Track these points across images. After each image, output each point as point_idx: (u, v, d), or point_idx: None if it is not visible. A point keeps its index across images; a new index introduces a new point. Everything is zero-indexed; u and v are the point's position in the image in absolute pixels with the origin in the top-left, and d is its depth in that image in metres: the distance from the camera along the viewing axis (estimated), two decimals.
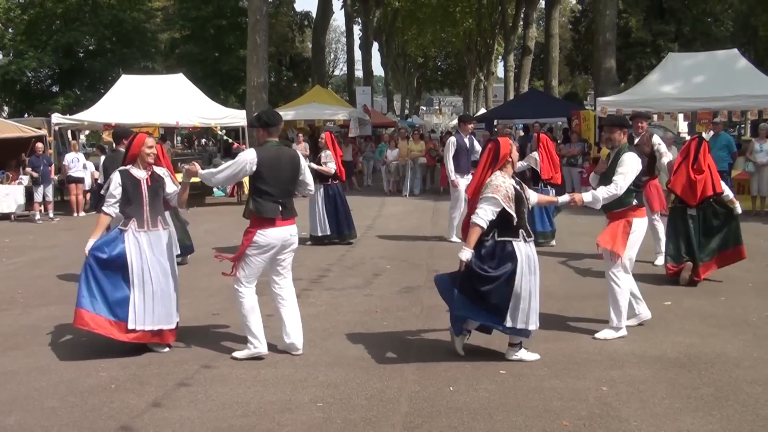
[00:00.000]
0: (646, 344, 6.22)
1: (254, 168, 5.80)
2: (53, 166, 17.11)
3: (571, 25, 58.32)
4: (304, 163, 6.25)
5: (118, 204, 6.14)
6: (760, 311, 7.22)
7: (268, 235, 5.83)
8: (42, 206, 16.50)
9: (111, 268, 6.03)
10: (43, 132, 17.69)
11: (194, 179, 6.22)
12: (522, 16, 43.28)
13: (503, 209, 5.54)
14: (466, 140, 11.83)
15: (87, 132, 28.21)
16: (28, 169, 16.41)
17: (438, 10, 54.19)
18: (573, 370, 5.62)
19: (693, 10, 41.22)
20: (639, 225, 6.51)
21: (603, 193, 6.27)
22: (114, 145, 9.76)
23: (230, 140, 21.49)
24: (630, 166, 6.33)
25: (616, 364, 5.74)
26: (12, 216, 16.48)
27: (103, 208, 6.19)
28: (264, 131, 6.02)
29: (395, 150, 21.43)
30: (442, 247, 11.38)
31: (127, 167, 6.23)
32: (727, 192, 8.50)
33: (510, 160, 5.78)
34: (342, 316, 7.30)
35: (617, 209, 6.44)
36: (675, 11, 40.99)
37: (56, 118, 18.15)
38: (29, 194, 16.68)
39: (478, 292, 5.60)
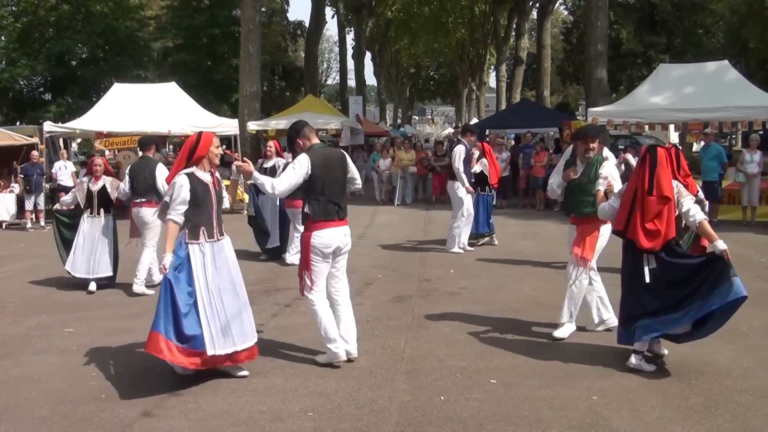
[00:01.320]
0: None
1: (309, 172, 5.77)
2: (45, 174, 17.08)
3: (562, 35, 58.55)
4: (350, 160, 6.26)
5: (185, 212, 5.61)
6: (751, 321, 7.25)
7: (324, 236, 5.85)
8: (33, 215, 16.45)
9: (180, 288, 5.48)
10: (35, 140, 17.64)
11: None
12: (514, 26, 43.46)
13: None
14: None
15: (79, 140, 28.12)
16: (20, 177, 16.38)
17: (431, 20, 54.37)
18: (563, 379, 5.63)
19: (684, 22, 41.49)
20: (605, 230, 6.68)
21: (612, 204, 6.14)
22: (141, 152, 9.88)
23: (229, 152, 21.48)
24: (616, 174, 6.62)
25: (607, 373, 5.75)
26: (3, 224, 16.42)
27: (171, 217, 5.58)
28: (301, 140, 5.97)
29: (388, 159, 21.45)
30: (434, 257, 11.40)
31: (191, 170, 5.70)
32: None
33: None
34: None
35: (588, 215, 6.58)
36: (666, 23, 41.24)
37: (48, 126, 18.10)
38: (20, 202, 16.63)
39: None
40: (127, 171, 9.58)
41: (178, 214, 5.58)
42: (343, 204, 6.01)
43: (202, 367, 5.56)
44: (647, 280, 5.68)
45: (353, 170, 6.22)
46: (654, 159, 5.66)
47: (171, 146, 33.92)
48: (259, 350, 6.10)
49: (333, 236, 5.90)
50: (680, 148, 9.41)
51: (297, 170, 5.76)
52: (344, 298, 6.18)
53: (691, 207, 5.69)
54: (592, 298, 6.90)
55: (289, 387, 5.53)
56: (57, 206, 9.98)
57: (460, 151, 11.58)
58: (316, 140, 6.06)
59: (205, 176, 5.76)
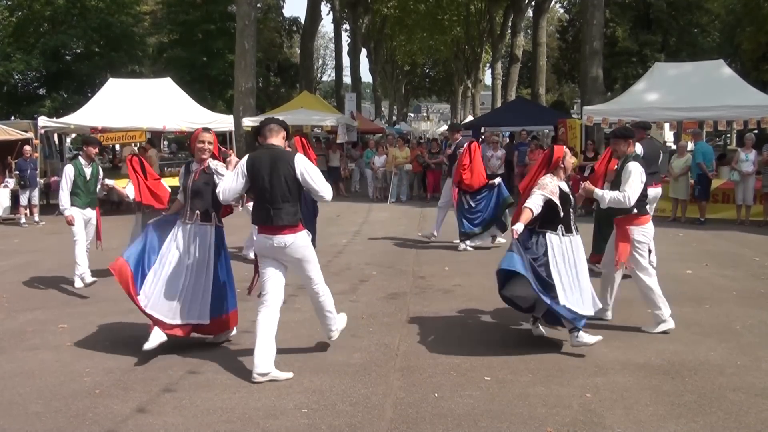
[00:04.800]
0: (631, 351, 6.25)
1: (243, 173, 5.76)
2: (39, 169, 17.03)
3: (558, 34, 58.69)
4: (303, 167, 5.64)
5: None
6: (744, 319, 7.28)
7: (259, 242, 5.84)
8: (28, 210, 16.41)
9: (155, 245, 6.31)
10: (30, 135, 17.58)
11: None
12: (510, 24, 43.48)
13: (551, 201, 6.25)
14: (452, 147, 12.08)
15: (73, 135, 28.06)
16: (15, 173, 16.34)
17: (426, 17, 54.39)
18: (557, 376, 5.65)
19: (680, 21, 41.59)
20: (637, 233, 6.83)
21: (611, 195, 6.66)
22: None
23: (223, 148, 21.46)
24: (635, 176, 6.67)
25: (601, 371, 5.77)
26: None
27: (178, 197, 6.56)
28: (260, 137, 6.08)
29: (383, 156, 21.45)
30: (429, 254, 11.41)
31: (190, 161, 6.53)
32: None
33: (562, 165, 6.48)
34: None
35: (621, 215, 6.84)
36: (662, 22, 41.34)
37: (43, 121, 18.04)
38: (15, 198, 16.58)
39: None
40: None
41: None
42: (282, 210, 5.58)
43: (142, 310, 6.23)
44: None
45: (307, 178, 5.62)
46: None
47: (166, 142, 33.87)
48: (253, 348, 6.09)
49: (266, 243, 5.70)
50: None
51: (235, 172, 5.79)
52: (329, 307, 6.17)
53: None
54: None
55: (283, 383, 5.52)
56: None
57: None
58: (272, 141, 5.79)
59: (194, 167, 6.44)
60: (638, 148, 9.54)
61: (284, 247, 5.65)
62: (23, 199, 16.23)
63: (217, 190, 5.92)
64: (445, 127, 50.59)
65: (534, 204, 6.23)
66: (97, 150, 9.59)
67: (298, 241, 5.70)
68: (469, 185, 11.65)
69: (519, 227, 6.13)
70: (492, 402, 5.13)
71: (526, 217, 6.18)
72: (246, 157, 5.80)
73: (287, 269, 5.89)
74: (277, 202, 5.58)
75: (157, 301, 6.16)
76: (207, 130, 6.56)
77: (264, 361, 5.53)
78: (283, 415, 4.94)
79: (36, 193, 16.56)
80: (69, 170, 9.13)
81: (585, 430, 4.67)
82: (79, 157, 9.31)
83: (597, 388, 5.36)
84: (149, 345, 6.02)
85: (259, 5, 32.43)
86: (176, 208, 6.57)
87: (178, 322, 6.19)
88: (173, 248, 6.25)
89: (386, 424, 4.79)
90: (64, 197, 9.06)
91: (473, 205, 11.74)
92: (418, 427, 4.73)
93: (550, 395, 5.24)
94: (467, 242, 11.77)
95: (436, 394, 5.28)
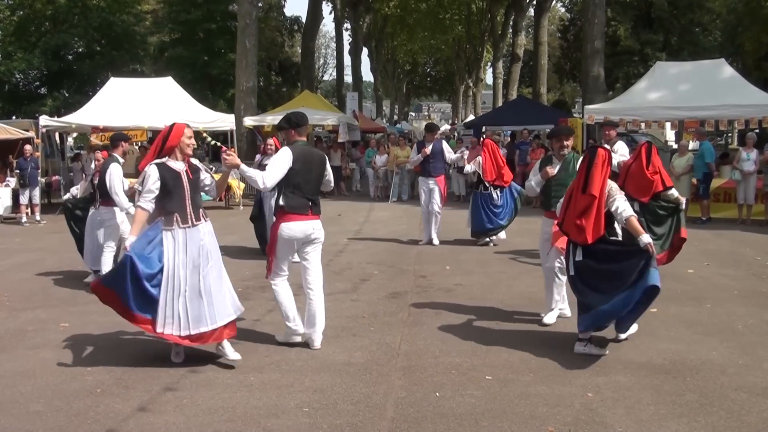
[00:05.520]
0: (632, 351, 6.25)
1: (291, 165, 6.09)
2: (40, 168, 17.03)
3: (559, 33, 58.67)
4: (328, 163, 6.62)
5: (155, 199, 5.79)
6: (746, 319, 7.27)
7: (292, 228, 6.17)
8: (29, 209, 16.41)
9: (149, 267, 5.71)
10: (31, 134, 17.59)
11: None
12: (511, 23, 43.49)
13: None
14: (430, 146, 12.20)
15: (75, 134, 28.07)
16: (16, 172, 16.34)
17: (428, 16, 54.43)
18: (559, 376, 5.64)
19: (681, 20, 41.55)
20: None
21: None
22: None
23: (218, 144, 21.46)
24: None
25: (602, 370, 5.76)
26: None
27: (140, 204, 5.79)
28: (295, 131, 6.33)
29: (384, 156, 21.45)
30: (430, 253, 11.40)
31: (163, 159, 5.87)
32: (673, 190, 8.50)
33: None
34: (329, 321, 7.27)
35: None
36: (663, 21, 41.30)
37: (44, 120, 18.06)
38: (16, 197, 16.59)
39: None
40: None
41: (145, 201, 5.78)
42: (317, 200, 6.34)
43: (152, 333, 5.84)
44: (571, 272, 6.14)
45: (329, 172, 6.62)
46: (591, 159, 5.98)
47: None
48: (255, 346, 6.11)
49: (303, 228, 6.22)
50: (653, 143, 9.61)
51: (283, 162, 6.09)
52: (317, 290, 6.46)
53: (620, 205, 6.01)
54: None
55: (284, 383, 5.53)
56: (67, 196, 10.04)
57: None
58: (303, 138, 6.43)
59: (177, 165, 5.91)
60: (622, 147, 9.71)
61: (316, 231, 6.30)
62: (24, 198, 16.24)
63: (260, 179, 5.95)
64: (447, 127, 50.59)
65: (632, 210, 6.11)
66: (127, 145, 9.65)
67: (321, 227, 6.43)
68: (506, 180, 12.18)
69: (646, 238, 5.80)
70: (493, 401, 5.12)
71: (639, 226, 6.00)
72: (288, 149, 6.17)
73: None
74: (315, 193, 6.35)
75: (188, 318, 5.79)
76: (186, 125, 6.18)
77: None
78: (285, 414, 4.93)
79: (37, 192, 16.56)
80: (118, 170, 8.78)
81: (586, 429, 4.66)
82: (116, 155, 9.18)
83: (598, 388, 5.36)
84: (234, 356, 5.96)
85: (260, 4, 32.46)
86: (151, 219, 5.97)
87: (215, 325, 5.86)
88: (178, 262, 5.79)
89: (387, 423, 4.79)
90: (124, 198, 8.65)
91: (497, 200, 12.15)
92: (419, 426, 4.73)
93: (551, 395, 5.23)
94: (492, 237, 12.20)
95: (437, 394, 5.27)
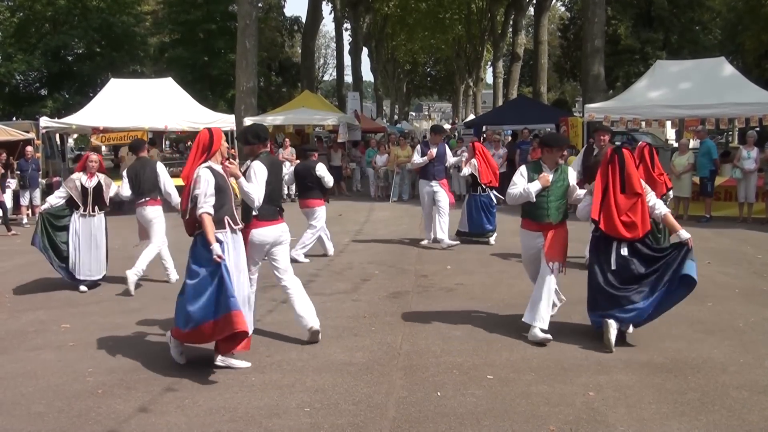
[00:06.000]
0: (633, 349, 6.25)
1: (266, 178, 6.32)
2: (41, 170, 17.03)
3: (559, 32, 58.70)
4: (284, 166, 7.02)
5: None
6: (747, 317, 7.27)
7: (263, 234, 6.38)
8: (29, 210, 16.41)
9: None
10: (31, 135, 17.60)
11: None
12: (511, 23, 43.49)
13: None
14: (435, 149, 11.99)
15: (75, 136, 28.09)
16: (16, 173, 16.33)
17: (427, 16, 54.44)
18: (560, 375, 5.64)
19: (681, 19, 41.55)
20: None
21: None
22: (134, 155, 9.80)
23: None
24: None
25: (603, 369, 5.76)
26: None
27: (205, 209, 5.64)
28: (262, 145, 6.52)
29: (384, 155, 21.45)
30: (431, 253, 11.40)
31: (209, 163, 5.82)
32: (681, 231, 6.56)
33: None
34: (330, 321, 7.30)
35: (563, 220, 6.80)
36: (663, 19, 41.30)
37: (44, 121, 18.07)
38: (16, 198, 16.58)
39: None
40: (125, 173, 9.50)
41: (209, 206, 5.69)
42: (281, 205, 6.65)
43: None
44: (613, 266, 6.27)
45: (287, 173, 7.37)
46: (622, 160, 6.22)
47: (168, 142, 33.86)
48: (256, 346, 6.12)
49: (273, 233, 6.46)
50: (653, 145, 9.57)
51: (264, 177, 6.25)
52: (290, 279, 6.62)
53: (656, 202, 6.37)
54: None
55: (285, 383, 5.53)
56: (45, 206, 9.40)
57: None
58: (266, 149, 6.68)
59: (219, 168, 5.90)
60: None
61: (284, 234, 6.57)
62: (24, 200, 16.24)
63: (253, 197, 6.04)
64: (447, 126, 50.55)
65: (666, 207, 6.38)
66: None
67: (288, 229, 6.70)
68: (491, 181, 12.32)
69: (685, 234, 6.11)
70: (495, 401, 5.12)
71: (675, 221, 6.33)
72: (260, 163, 6.29)
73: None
74: (280, 198, 6.70)
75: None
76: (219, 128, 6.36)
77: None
78: (286, 414, 4.94)
79: (37, 193, 16.55)
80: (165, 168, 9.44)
81: (588, 428, 4.66)
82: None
83: (600, 387, 5.36)
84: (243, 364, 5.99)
85: (260, 4, 32.47)
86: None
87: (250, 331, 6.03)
88: (230, 265, 5.79)
89: (389, 423, 4.79)
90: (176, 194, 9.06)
91: (494, 201, 12.41)
92: (420, 426, 4.73)
93: (552, 394, 5.23)
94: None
95: (438, 393, 5.27)
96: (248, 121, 22.19)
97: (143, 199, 9.10)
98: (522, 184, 6.76)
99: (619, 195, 6.16)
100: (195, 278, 5.64)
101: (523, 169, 6.94)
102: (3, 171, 15.43)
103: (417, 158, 11.99)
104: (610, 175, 6.23)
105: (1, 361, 6.26)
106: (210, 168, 5.78)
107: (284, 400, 5.17)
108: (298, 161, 11.97)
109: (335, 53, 52.62)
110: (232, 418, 4.88)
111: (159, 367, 5.93)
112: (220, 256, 5.54)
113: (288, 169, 12.93)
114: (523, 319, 6.67)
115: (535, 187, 6.66)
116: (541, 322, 6.52)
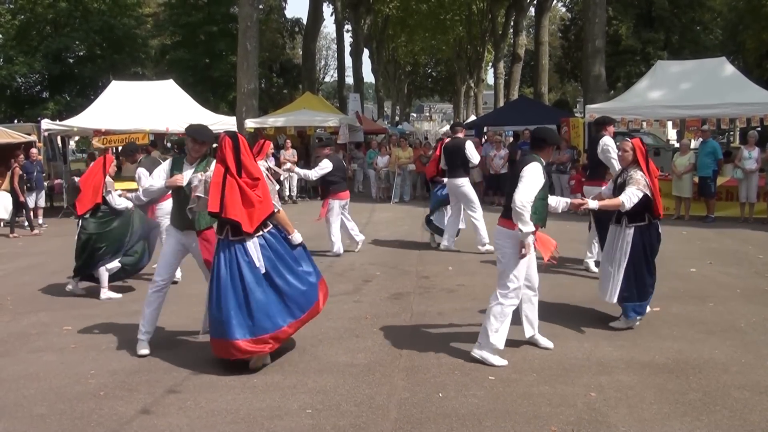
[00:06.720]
0: (635, 350, 6.24)
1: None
2: (44, 172, 17.05)
3: (560, 32, 58.69)
4: None
5: None
6: (748, 317, 7.26)
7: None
8: (33, 212, 16.40)
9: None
10: (33, 138, 17.62)
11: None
12: (512, 23, 43.44)
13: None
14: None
15: (77, 138, 28.10)
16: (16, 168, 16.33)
17: (428, 17, 54.35)
18: (562, 375, 5.64)
19: (682, 19, 41.54)
20: None
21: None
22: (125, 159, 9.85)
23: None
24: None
25: (605, 369, 5.76)
26: (2, 222, 16.38)
27: (279, 206, 5.98)
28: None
29: (385, 157, 21.46)
30: (432, 254, 11.40)
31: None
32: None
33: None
34: (331, 322, 7.30)
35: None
36: (664, 19, 41.29)
37: (46, 123, 18.11)
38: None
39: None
40: (141, 172, 9.30)
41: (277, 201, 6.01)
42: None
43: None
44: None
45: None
46: (643, 150, 6.83)
47: (169, 144, 33.87)
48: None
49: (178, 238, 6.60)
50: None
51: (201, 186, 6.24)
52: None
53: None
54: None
55: (287, 384, 5.53)
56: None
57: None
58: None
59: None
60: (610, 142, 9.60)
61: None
62: (30, 202, 16.19)
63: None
64: (447, 127, 50.55)
65: (628, 199, 6.53)
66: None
67: None
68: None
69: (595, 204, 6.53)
70: (496, 401, 5.13)
71: (614, 204, 6.60)
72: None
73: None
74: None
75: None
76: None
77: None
78: (288, 415, 4.94)
79: (42, 195, 16.55)
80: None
81: (589, 428, 4.66)
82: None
83: (601, 387, 5.36)
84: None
85: (261, 6, 32.47)
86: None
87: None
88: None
89: (390, 424, 4.79)
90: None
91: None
92: (422, 426, 4.73)
93: (554, 394, 5.23)
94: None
95: (440, 394, 5.27)
96: (249, 123, 22.25)
97: None
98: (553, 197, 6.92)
99: (655, 181, 6.76)
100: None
101: (537, 179, 6.06)
102: (21, 172, 15.45)
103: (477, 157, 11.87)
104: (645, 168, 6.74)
105: (3, 363, 6.27)
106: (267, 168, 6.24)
107: (286, 402, 5.18)
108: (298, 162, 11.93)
109: (336, 55, 52.63)
110: (234, 420, 4.88)
111: (161, 369, 5.94)
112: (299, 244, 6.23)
113: (284, 173, 12.95)
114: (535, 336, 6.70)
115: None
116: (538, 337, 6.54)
